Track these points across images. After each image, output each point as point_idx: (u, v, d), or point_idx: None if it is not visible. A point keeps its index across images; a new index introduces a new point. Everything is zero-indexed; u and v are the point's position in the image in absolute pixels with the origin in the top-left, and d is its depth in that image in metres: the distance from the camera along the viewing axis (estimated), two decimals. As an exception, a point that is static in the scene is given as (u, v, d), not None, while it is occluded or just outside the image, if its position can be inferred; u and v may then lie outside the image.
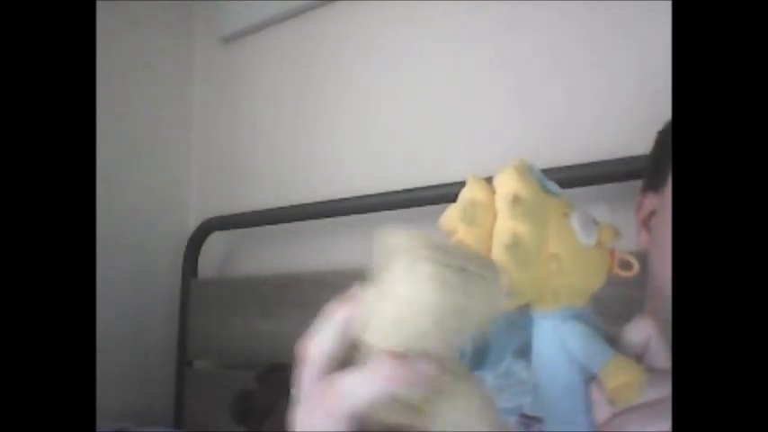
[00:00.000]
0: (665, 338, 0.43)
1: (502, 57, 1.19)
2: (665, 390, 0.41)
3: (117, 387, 1.51)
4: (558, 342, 0.43)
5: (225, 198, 1.64)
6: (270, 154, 1.56)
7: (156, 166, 1.67)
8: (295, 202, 1.43)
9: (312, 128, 1.48)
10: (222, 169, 1.67)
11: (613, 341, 0.44)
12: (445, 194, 1.09)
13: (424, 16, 1.31)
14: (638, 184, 0.75)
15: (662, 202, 0.68)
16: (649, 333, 0.44)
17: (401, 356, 0.34)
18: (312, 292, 1.32)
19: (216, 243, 1.60)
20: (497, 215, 0.43)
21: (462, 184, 0.45)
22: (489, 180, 0.44)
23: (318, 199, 1.38)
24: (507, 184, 0.43)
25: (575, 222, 0.43)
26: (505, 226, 0.42)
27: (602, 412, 0.42)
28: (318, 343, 0.37)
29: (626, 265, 0.44)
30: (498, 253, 0.42)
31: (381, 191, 1.27)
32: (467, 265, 0.34)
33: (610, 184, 0.99)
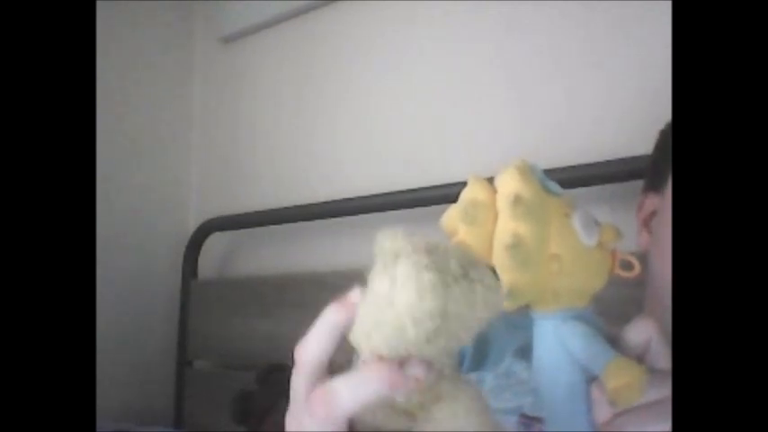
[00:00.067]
0: (666, 339, 0.43)
1: (502, 57, 1.19)
2: (665, 390, 0.41)
3: (117, 387, 1.51)
4: (558, 342, 0.43)
5: (225, 198, 1.64)
6: (270, 154, 1.56)
7: (156, 166, 1.67)
8: (295, 203, 1.43)
9: (312, 128, 1.48)
10: (222, 169, 1.67)
11: (614, 342, 0.44)
12: (446, 195, 1.09)
13: (424, 16, 1.31)
14: (639, 184, 0.75)
15: (663, 203, 0.68)
16: (650, 333, 0.44)
17: (390, 361, 0.35)
18: (312, 293, 1.32)
19: (216, 243, 1.60)
20: (498, 215, 0.43)
21: (463, 184, 0.45)
22: (490, 180, 0.44)
23: (318, 199, 1.38)
24: (509, 184, 0.42)
25: (576, 223, 0.42)
26: (507, 226, 0.42)
27: (602, 413, 0.42)
28: (309, 348, 0.37)
29: (627, 266, 0.44)
30: (499, 253, 0.41)
31: (381, 191, 1.26)
32: (450, 267, 0.34)
33: (610, 185, 0.99)
